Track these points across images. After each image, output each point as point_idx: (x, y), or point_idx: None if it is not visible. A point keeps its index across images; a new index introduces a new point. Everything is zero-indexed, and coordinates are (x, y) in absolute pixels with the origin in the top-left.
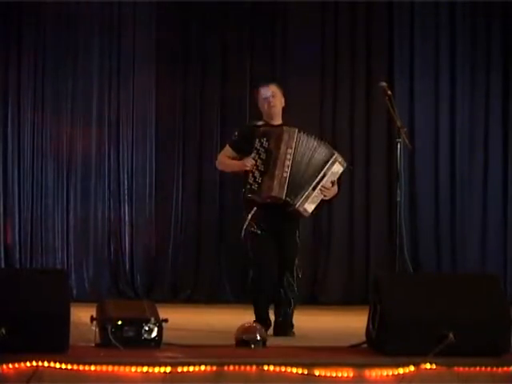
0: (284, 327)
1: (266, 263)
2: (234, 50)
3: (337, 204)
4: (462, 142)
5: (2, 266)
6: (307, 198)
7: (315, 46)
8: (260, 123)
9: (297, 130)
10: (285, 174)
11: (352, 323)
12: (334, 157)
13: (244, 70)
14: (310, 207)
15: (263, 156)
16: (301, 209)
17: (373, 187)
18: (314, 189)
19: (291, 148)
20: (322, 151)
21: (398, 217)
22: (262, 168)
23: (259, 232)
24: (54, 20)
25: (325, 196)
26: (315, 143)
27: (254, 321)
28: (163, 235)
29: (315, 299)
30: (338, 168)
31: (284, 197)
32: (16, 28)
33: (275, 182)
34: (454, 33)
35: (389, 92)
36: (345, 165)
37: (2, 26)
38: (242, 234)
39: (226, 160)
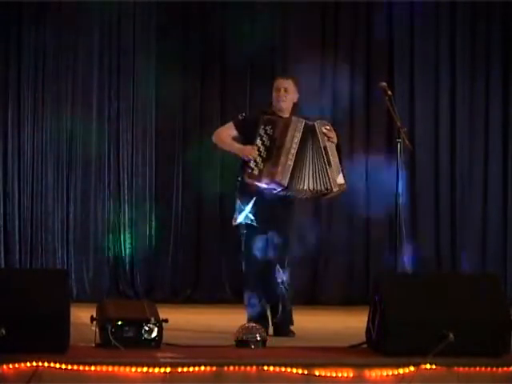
0: (283, 327)
1: (260, 260)
2: (233, 49)
3: (337, 204)
4: (462, 142)
5: (2, 265)
6: (332, 175)
7: (315, 46)
8: (268, 111)
9: (304, 122)
10: (289, 162)
11: (352, 323)
12: (316, 125)
13: (244, 69)
14: (340, 179)
15: (267, 143)
16: (336, 188)
17: (372, 187)
18: (330, 165)
19: (297, 138)
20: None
21: (397, 217)
22: (264, 154)
23: (256, 225)
24: (54, 20)
25: (332, 142)
26: (317, 127)
27: (250, 320)
28: (163, 235)
29: (315, 299)
30: (326, 127)
31: (286, 184)
32: (16, 28)
33: (279, 168)
34: (454, 33)
35: (389, 92)
36: (326, 122)
37: (2, 25)
38: (238, 223)
39: (226, 138)
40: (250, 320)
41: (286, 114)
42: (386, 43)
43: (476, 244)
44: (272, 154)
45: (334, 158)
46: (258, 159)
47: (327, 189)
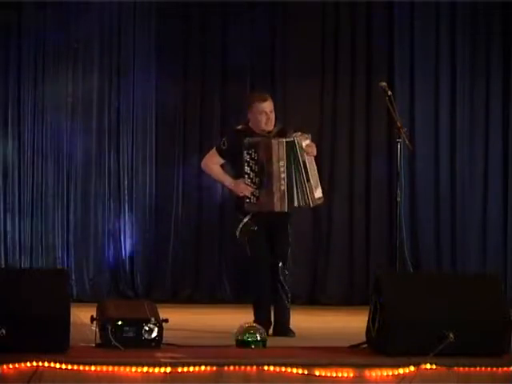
0: (283, 326)
1: (264, 259)
2: (233, 49)
3: (337, 204)
4: (462, 142)
5: (2, 265)
6: (311, 190)
7: (315, 46)
8: (244, 128)
9: (285, 141)
10: (282, 188)
11: (352, 323)
12: (296, 142)
13: (244, 69)
14: (318, 193)
15: (255, 168)
16: (317, 202)
17: (373, 187)
18: (308, 180)
19: (283, 160)
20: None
21: (398, 217)
22: (256, 181)
23: (256, 228)
24: (54, 20)
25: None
26: (296, 142)
27: (254, 321)
28: (163, 235)
29: (315, 299)
30: (306, 142)
31: (287, 209)
32: (16, 28)
33: (275, 198)
34: (454, 33)
35: (389, 92)
36: (307, 136)
37: (2, 25)
38: (238, 234)
39: (215, 168)
40: (255, 322)
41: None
42: (386, 43)
43: (476, 244)
44: (263, 180)
45: (312, 173)
46: (253, 188)
47: (305, 204)
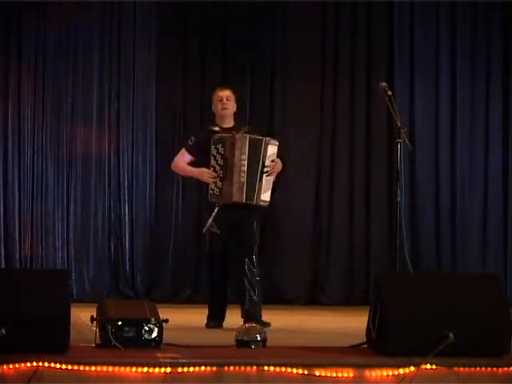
0: (252, 316)
1: (221, 263)
2: (234, 49)
3: (337, 204)
4: (462, 142)
5: (2, 266)
6: (260, 190)
7: (315, 46)
8: (214, 128)
9: (248, 137)
10: (242, 180)
11: (352, 323)
12: (263, 142)
13: (244, 69)
14: (266, 196)
15: (220, 162)
16: (260, 203)
17: (373, 187)
18: (261, 179)
19: (245, 154)
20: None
21: (398, 217)
22: (220, 174)
23: (219, 232)
24: (54, 20)
25: (273, 176)
26: (264, 142)
27: (207, 317)
28: (163, 235)
29: (315, 299)
30: (272, 149)
31: (244, 200)
32: (16, 28)
33: (234, 189)
34: (454, 33)
35: (389, 92)
36: (276, 143)
37: (2, 26)
38: (204, 230)
39: (183, 165)
40: (208, 318)
41: (230, 124)
42: (386, 43)
43: (476, 244)
44: (227, 173)
45: (267, 178)
46: (217, 179)
47: (250, 200)
